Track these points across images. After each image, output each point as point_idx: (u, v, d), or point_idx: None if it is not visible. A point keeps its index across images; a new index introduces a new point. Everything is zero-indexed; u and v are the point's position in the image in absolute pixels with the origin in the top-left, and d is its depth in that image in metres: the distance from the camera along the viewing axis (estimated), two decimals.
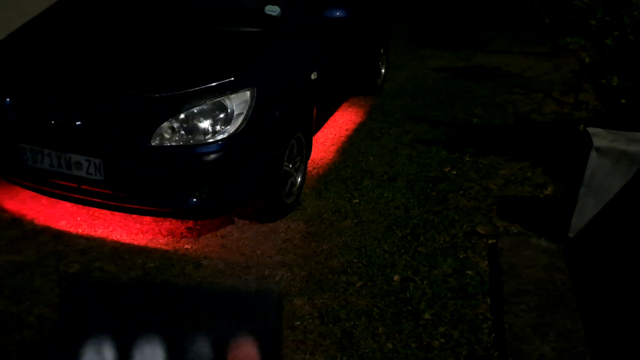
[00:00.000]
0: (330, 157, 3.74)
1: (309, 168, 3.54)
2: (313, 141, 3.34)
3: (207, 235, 2.79)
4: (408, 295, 2.35)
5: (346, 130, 4.26)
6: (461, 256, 2.64)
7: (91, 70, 2.58)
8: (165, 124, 2.36)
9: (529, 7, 5.61)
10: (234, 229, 2.85)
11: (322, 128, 4.08)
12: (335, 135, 4.15)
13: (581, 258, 2.54)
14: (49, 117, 2.46)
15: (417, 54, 6.60)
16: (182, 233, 2.80)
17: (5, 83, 2.66)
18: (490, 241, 2.76)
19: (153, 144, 2.36)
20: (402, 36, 7.34)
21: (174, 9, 3.08)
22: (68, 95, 2.49)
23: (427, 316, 2.23)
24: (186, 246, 2.69)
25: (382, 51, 5.10)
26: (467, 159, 3.71)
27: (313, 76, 3.16)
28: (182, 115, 2.37)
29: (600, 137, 2.55)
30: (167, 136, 2.38)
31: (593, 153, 2.50)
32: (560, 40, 4.39)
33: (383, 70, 5.23)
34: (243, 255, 2.62)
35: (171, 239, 2.75)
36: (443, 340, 2.11)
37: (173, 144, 2.37)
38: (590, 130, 2.63)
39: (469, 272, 2.52)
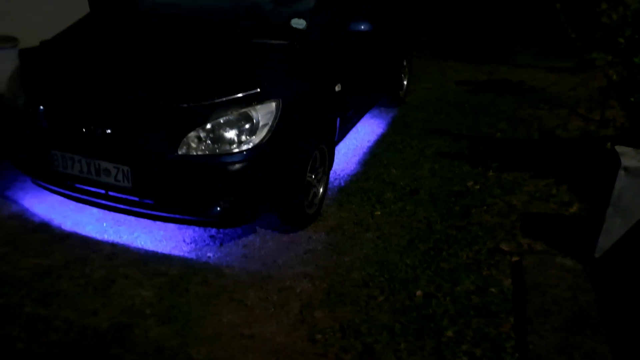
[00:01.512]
0: (352, 169, 3.75)
1: (331, 179, 3.55)
2: (335, 152, 3.35)
3: (229, 244, 2.81)
4: (430, 312, 2.33)
5: (368, 141, 4.26)
6: (484, 273, 2.61)
7: (121, 79, 2.64)
8: (192, 134, 2.40)
9: (555, 22, 5.57)
10: (256, 239, 2.87)
11: (344, 139, 4.09)
12: (357, 146, 4.16)
13: (607, 278, 2.49)
14: (80, 124, 2.52)
15: (440, 66, 6.59)
16: (204, 241, 2.83)
17: (38, 91, 2.74)
18: (514, 259, 2.72)
19: (180, 152, 2.40)
20: (425, 49, 7.34)
21: (202, 22, 3.14)
22: (98, 103, 2.55)
23: (449, 333, 2.21)
24: (208, 254, 2.72)
25: (404, 63, 5.11)
26: (491, 174, 3.68)
27: (337, 88, 3.18)
28: (208, 125, 2.41)
29: (629, 157, 2.51)
30: (193, 145, 2.41)
31: (621, 172, 2.46)
32: (587, 55, 4.34)
33: (405, 82, 5.24)
34: (264, 265, 2.64)
35: (194, 246, 2.78)
36: (466, 359, 2.08)
37: (199, 153, 2.41)
38: (618, 149, 2.59)
39: (493, 289, 2.49)
